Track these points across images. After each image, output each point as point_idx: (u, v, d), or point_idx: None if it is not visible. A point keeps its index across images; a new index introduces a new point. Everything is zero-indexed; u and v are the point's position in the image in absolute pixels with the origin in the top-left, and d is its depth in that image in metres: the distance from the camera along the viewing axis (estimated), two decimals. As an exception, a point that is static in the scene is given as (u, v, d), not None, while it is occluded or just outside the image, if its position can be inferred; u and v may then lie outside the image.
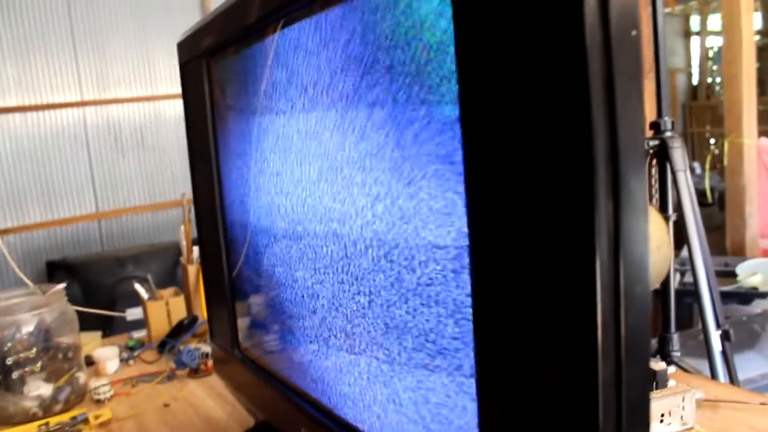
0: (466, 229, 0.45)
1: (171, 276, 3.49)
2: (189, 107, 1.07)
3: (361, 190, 0.58)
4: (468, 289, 0.45)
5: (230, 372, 1.04)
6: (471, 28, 0.42)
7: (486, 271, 0.43)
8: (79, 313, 1.25)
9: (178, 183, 4.45)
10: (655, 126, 1.49)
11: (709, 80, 8.87)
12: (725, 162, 3.23)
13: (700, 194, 3.04)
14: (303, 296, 0.74)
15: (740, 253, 3.12)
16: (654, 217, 1.42)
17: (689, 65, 8.97)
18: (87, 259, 3.78)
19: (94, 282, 3.51)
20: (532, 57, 0.37)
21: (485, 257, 0.43)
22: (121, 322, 2.72)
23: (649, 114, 1.56)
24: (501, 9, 0.39)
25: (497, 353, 0.43)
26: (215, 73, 0.93)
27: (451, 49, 0.44)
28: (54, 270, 3.63)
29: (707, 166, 4.22)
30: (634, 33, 0.36)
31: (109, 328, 2.70)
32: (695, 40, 8.94)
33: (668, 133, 1.47)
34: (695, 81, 8.97)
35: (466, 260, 0.45)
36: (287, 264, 0.77)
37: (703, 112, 8.36)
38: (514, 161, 0.39)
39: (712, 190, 4.39)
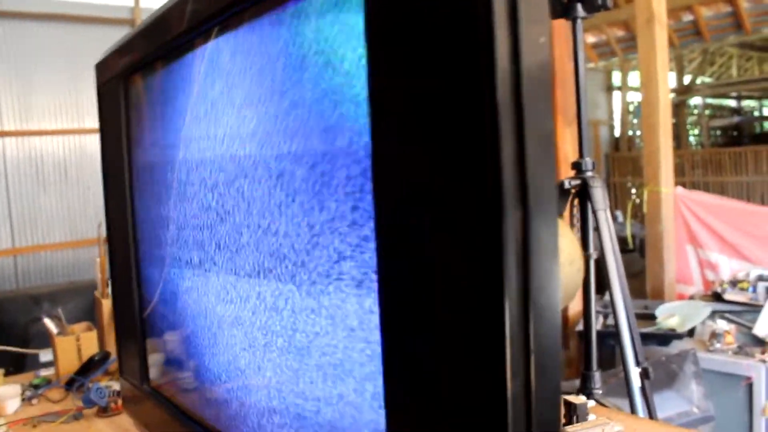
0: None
1: (89, 315, 3.35)
2: (105, 131, 1.03)
3: (284, 229, 0.56)
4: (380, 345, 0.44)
5: (140, 409, 0.98)
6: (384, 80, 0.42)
7: (395, 329, 0.42)
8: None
9: (102, 219, 4.30)
10: (577, 166, 1.53)
11: (630, 133, 9.31)
12: (645, 210, 3.36)
13: (622, 241, 3.14)
14: (215, 333, 0.70)
15: (659, 297, 3.22)
16: (565, 231, 1.44)
17: (612, 118, 9.41)
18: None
19: (7, 321, 3.33)
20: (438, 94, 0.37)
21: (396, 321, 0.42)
22: (34, 363, 2.58)
23: (573, 157, 1.60)
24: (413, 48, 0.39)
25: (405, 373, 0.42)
26: (132, 94, 0.90)
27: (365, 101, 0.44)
28: (-38, 307, 3.42)
29: (628, 214, 4.37)
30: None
31: (21, 368, 2.57)
32: (617, 95, 9.41)
33: (589, 173, 1.51)
34: (617, 133, 9.40)
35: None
36: (201, 300, 0.73)
37: (625, 163, 8.73)
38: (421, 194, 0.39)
39: (633, 237, 4.55)
